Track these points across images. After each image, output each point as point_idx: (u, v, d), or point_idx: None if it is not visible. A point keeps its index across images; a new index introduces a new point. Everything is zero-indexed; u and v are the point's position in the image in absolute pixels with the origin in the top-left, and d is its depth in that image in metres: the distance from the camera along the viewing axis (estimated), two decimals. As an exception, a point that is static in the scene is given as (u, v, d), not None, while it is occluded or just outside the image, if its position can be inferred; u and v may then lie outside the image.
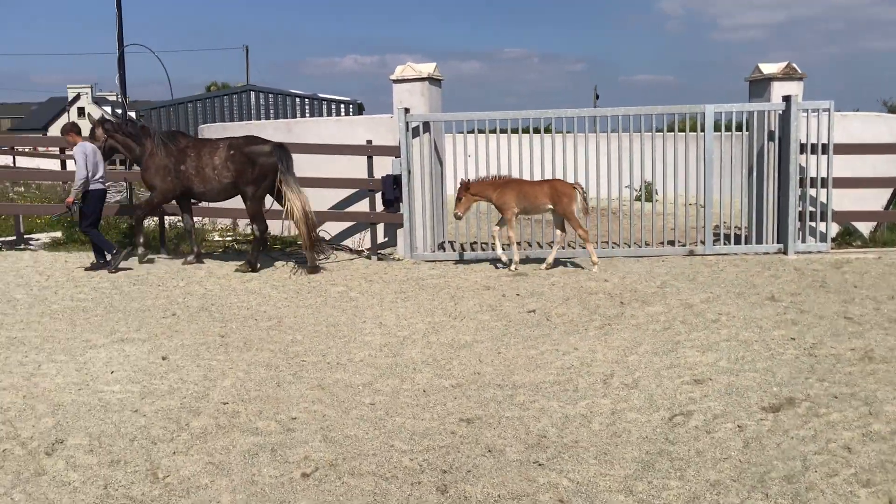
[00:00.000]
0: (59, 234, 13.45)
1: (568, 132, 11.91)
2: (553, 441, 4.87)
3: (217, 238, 13.05)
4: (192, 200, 11.40)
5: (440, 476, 4.40)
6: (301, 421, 5.24)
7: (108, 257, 10.64)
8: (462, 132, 11.92)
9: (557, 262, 10.62)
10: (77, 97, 76.07)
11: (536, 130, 11.57)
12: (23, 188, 21.13)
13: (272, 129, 13.49)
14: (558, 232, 10.54)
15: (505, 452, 4.71)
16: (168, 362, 6.55)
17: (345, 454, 4.71)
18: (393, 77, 11.59)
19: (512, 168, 11.23)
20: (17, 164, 23.95)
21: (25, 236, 13.40)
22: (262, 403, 5.58)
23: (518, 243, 10.78)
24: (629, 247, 11.58)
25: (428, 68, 11.55)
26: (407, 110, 11.31)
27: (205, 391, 5.83)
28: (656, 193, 12.40)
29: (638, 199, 16.08)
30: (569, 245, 11.32)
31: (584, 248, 10.75)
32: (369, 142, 11.67)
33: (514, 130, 11.62)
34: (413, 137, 11.39)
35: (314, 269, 10.48)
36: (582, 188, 10.44)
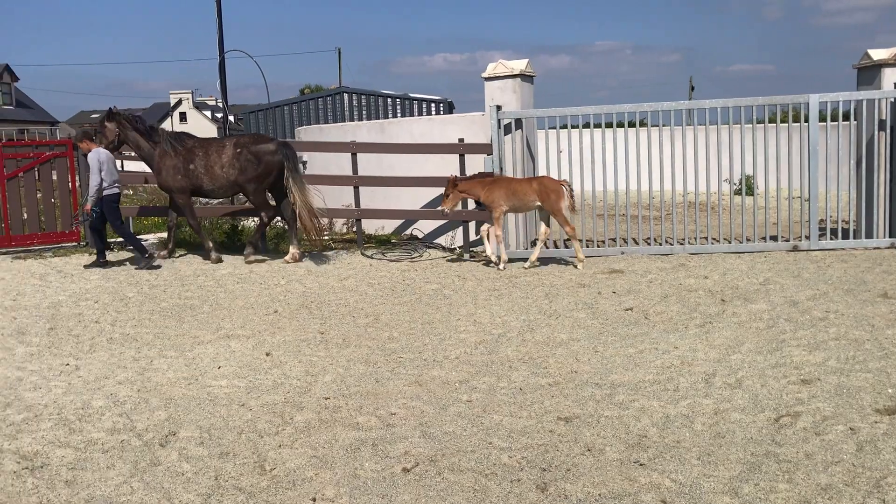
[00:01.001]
0: (165, 234, 14.03)
1: (664, 126, 11.65)
2: (654, 441, 4.79)
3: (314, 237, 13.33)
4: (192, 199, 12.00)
5: (540, 474, 4.39)
6: (400, 416, 5.32)
7: (105, 257, 11.29)
8: (555, 127, 11.81)
9: (550, 260, 10.41)
10: (179, 102, 79.23)
11: (631, 124, 11.37)
12: (131, 191, 22.12)
13: (366, 130, 13.73)
14: (542, 228, 10.56)
15: (605, 452, 4.66)
16: (271, 358, 6.76)
17: (444, 450, 4.75)
18: (484, 75, 11.61)
19: (606, 163, 11.08)
20: (125, 168, 25.09)
21: (136, 237, 14.03)
22: (362, 399, 5.69)
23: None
24: (729, 242, 11.24)
25: (520, 65, 11.51)
26: (499, 107, 11.30)
27: (307, 386, 5.99)
28: (757, 187, 11.99)
29: (738, 193, 15.60)
30: (609, 241, 11.09)
31: (567, 245, 10.92)
32: (461, 140, 11.72)
33: (608, 125, 11.45)
34: (505, 134, 11.38)
35: (297, 258, 11.28)
36: (569, 185, 10.44)
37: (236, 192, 11.80)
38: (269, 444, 4.91)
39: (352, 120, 25.85)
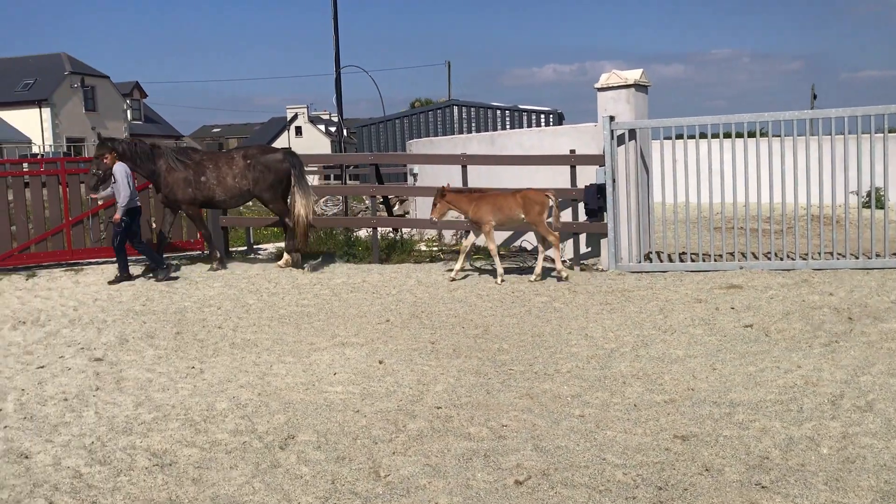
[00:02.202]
0: (284, 244, 14.55)
1: (786, 136, 11.19)
2: (776, 463, 4.59)
3: (423, 248, 13.54)
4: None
5: (656, 492, 4.29)
6: (512, 429, 5.31)
7: (128, 270, 11.41)
8: (670, 138, 11.56)
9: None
10: (295, 117, 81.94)
11: (750, 135, 10.98)
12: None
13: (476, 142, 13.82)
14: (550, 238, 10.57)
15: (724, 472, 4.51)
16: (384, 366, 6.88)
17: (556, 464, 4.71)
18: (597, 85, 11.49)
19: (725, 174, 10.74)
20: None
21: (255, 246, 14.64)
22: (474, 410, 5.71)
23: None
24: (856, 258, 10.68)
25: (634, 75, 11.33)
26: (612, 118, 11.16)
27: (419, 395, 6.07)
28: (888, 199, 11.34)
29: (865, 206, 14.81)
30: (776, 256, 10.65)
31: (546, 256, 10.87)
32: (572, 151, 11.63)
33: (726, 135, 11.10)
34: (618, 145, 11.22)
35: (292, 264, 11.87)
36: (555, 197, 10.52)
37: (245, 202, 12.51)
38: (383, 451, 5.00)
39: (461, 132, 26.09)
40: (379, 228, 13.10)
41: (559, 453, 4.88)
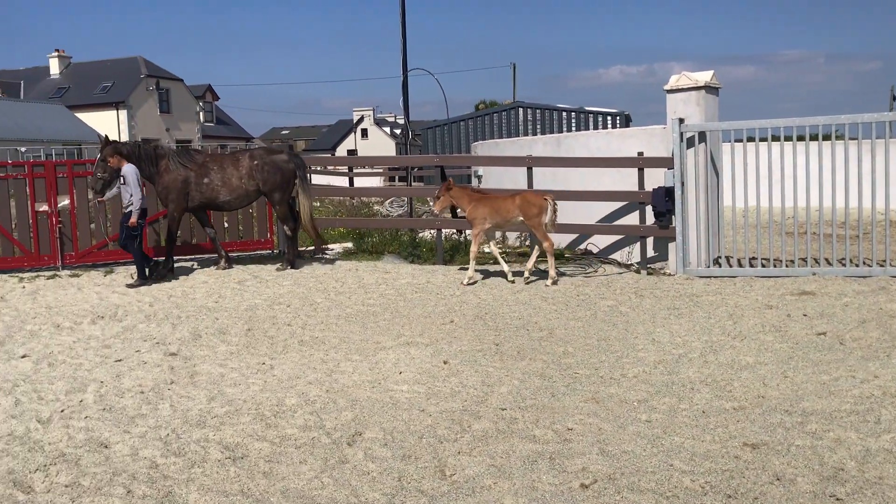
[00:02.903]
0: (350, 244, 14.77)
1: (864, 139, 10.84)
2: (852, 475, 4.47)
3: (487, 250, 13.54)
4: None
5: (725, 500, 4.23)
6: (577, 432, 5.30)
7: (146, 274, 11.31)
8: (741, 140, 11.32)
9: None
10: (361, 119, 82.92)
11: (825, 137, 10.68)
12: (318, 203, 23.38)
13: (542, 144, 13.78)
14: (545, 244, 10.69)
15: (796, 482, 4.41)
16: (449, 366, 6.93)
17: (623, 469, 4.68)
18: (667, 87, 11.34)
19: (798, 179, 10.47)
20: (313, 181, 26.58)
21: (323, 247, 14.87)
22: (538, 412, 5.71)
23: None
24: (938, 265, 10.27)
25: (704, 77, 11.14)
26: (681, 120, 11.00)
27: (484, 396, 6.09)
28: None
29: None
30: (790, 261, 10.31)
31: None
32: (640, 153, 11.50)
33: (800, 138, 10.82)
34: (688, 148, 11.05)
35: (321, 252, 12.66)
36: (553, 200, 10.58)
37: (250, 203, 12.70)
38: (448, 450, 5.04)
39: (526, 134, 26.02)
40: (443, 230, 13.17)
41: (625, 458, 4.85)
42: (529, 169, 12.25)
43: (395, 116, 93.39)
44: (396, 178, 30.77)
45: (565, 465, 4.75)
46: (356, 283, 11.11)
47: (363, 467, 4.83)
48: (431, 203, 11.48)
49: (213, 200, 12.11)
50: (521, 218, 10.64)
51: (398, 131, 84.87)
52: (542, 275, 11.20)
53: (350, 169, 24.70)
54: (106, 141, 11.43)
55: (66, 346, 7.93)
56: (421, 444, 5.16)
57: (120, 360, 7.38)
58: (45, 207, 12.42)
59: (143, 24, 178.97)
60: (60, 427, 5.64)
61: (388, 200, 22.78)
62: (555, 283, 10.63)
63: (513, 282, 10.79)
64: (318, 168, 27.80)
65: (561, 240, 12.91)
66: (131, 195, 11.00)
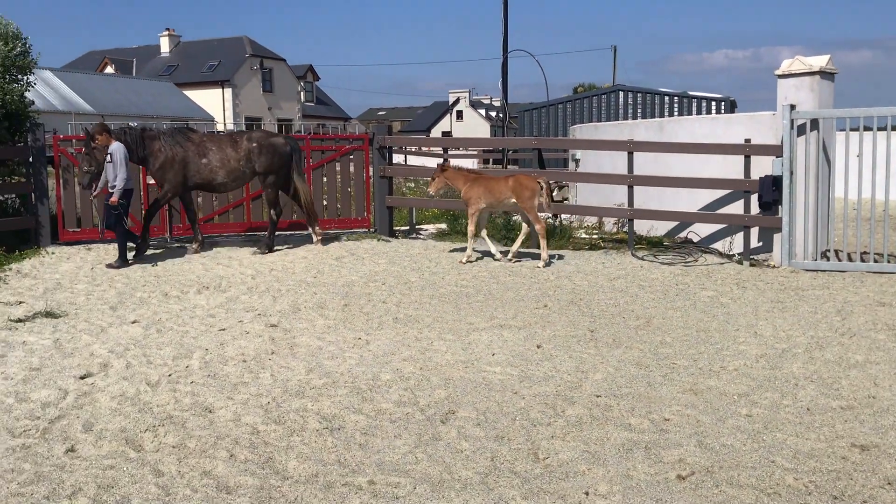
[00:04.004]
0: (444, 225, 14.85)
1: None
2: (971, 485, 4.23)
3: (584, 235, 13.39)
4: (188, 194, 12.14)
5: (830, 501, 4.07)
6: (674, 423, 5.19)
7: (126, 255, 11.05)
8: (856, 129, 10.78)
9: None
10: (457, 101, 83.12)
11: (952, 127, 10.04)
12: (413, 184, 23.61)
13: (643, 129, 13.48)
14: (524, 227, 11.09)
15: (909, 489, 4.20)
16: (542, 351, 6.90)
17: (721, 462, 4.56)
18: (778, 72, 10.88)
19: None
20: (408, 162, 26.81)
21: (417, 226, 15.02)
22: (634, 401, 5.62)
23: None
24: None
25: (819, 61, 10.64)
26: (792, 107, 10.54)
27: (578, 382, 6.04)
28: None
29: None
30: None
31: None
32: (747, 140, 11.10)
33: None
34: (798, 136, 10.59)
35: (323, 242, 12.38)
36: (547, 184, 10.81)
37: (243, 184, 12.57)
38: (541, 434, 5.02)
39: (626, 118, 25.50)
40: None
41: (724, 451, 4.72)
42: (630, 153, 11.99)
43: (491, 98, 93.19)
44: (491, 160, 30.67)
45: (661, 456, 4.67)
46: (449, 263, 11.17)
47: (456, 445, 4.87)
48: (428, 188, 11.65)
49: (211, 182, 11.91)
50: (514, 200, 10.85)
51: (493, 113, 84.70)
52: (639, 261, 10.98)
53: (445, 150, 24.74)
54: (88, 132, 11.06)
55: (173, 314, 8.28)
56: (514, 426, 5.16)
57: (223, 330, 7.65)
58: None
59: (249, 4, 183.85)
60: (168, 390, 5.90)
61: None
62: (547, 265, 10.79)
63: (499, 260, 11.21)
64: (413, 149, 28.12)
65: (660, 227, 12.64)
66: (116, 175, 10.71)
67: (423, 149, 26.50)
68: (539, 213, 10.91)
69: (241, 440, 4.99)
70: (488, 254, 11.70)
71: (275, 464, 4.65)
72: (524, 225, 11.28)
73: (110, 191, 10.82)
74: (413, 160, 28.59)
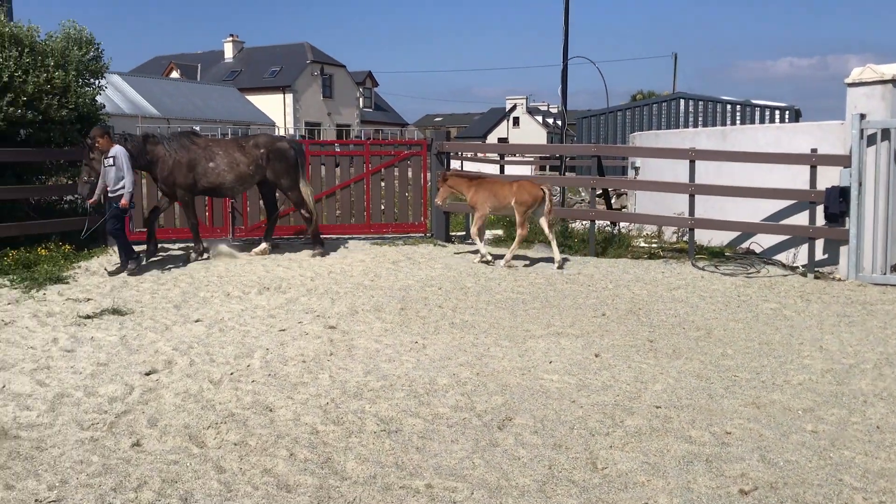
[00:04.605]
0: (500, 231, 14.83)
1: None
2: None
3: (643, 244, 13.23)
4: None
5: (901, 524, 3.94)
6: (736, 437, 5.09)
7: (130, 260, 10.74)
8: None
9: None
10: (513, 107, 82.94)
11: None
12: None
13: (706, 137, 13.26)
14: (548, 232, 11.23)
15: None
16: (600, 359, 6.83)
17: (786, 479, 4.46)
18: (848, 80, 10.60)
19: None
20: (464, 168, 26.85)
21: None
22: (695, 413, 5.53)
23: None
24: None
25: (892, 70, 10.32)
26: (862, 116, 10.26)
27: (637, 392, 5.97)
28: None
29: None
30: None
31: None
32: (814, 150, 10.83)
33: None
34: (868, 146, 10.30)
35: (322, 254, 12.07)
36: (550, 190, 11.12)
37: (249, 189, 12.43)
38: (600, 444, 4.98)
39: (687, 126, 25.13)
40: (596, 221, 12.96)
41: (789, 467, 4.61)
42: (692, 162, 11.82)
43: (548, 105, 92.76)
44: (547, 167, 30.54)
45: (723, 469, 4.58)
46: (506, 270, 11.14)
47: (514, 452, 4.86)
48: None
49: (220, 186, 11.80)
50: (514, 203, 11.08)
51: (550, 120, 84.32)
52: (699, 271, 10.81)
53: (502, 156, 24.70)
54: (88, 141, 10.85)
55: (234, 314, 8.44)
56: (572, 435, 5.12)
57: (283, 330, 7.77)
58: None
59: (311, 11, 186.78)
60: (230, 388, 6.01)
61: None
62: (509, 266, 11.17)
63: (490, 262, 11.43)
64: (469, 155, 28.09)
65: (722, 237, 12.41)
66: (122, 178, 10.43)
67: (479, 154, 26.51)
68: (548, 219, 11.23)
69: (300, 439, 5.05)
70: (544, 260, 11.64)
71: (333, 464, 4.70)
72: (547, 232, 11.32)
73: (111, 195, 10.51)
74: (469, 166, 28.56)
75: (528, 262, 11.66)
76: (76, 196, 11.03)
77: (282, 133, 44.27)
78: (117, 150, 10.56)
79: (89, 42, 13.17)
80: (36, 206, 11.47)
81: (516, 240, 11.35)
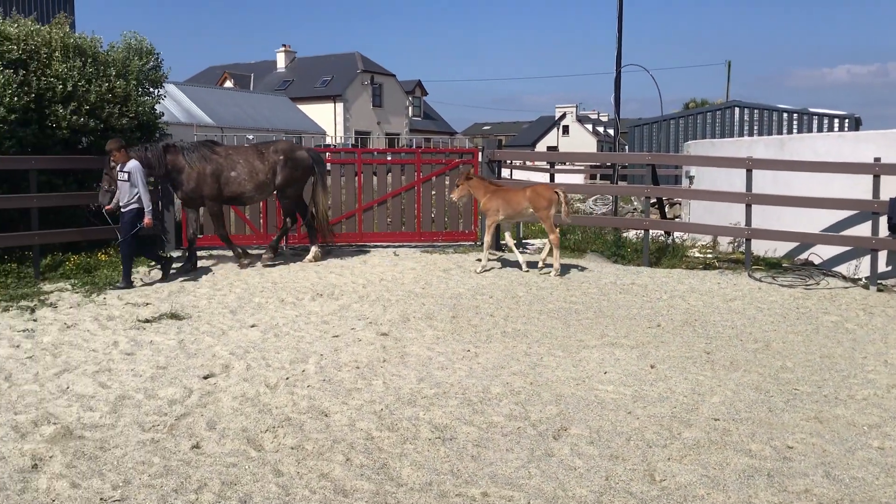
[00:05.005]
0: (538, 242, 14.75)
1: None
2: None
3: (697, 255, 13.03)
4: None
5: (976, 546, 3.80)
6: (798, 451, 4.97)
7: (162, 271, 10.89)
8: None
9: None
10: (563, 116, 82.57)
11: None
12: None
13: (763, 146, 13.03)
14: (551, 236, 11.16)
15: None
16: (656, 371, 6.74)
17: (851, 496, 4.34)
18: (913, 87, 10.32)
19: None
20: (514, 176, 26.78)
21: (523, 241, 14.97)
22: (754, 426, 5.42)
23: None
24: None
25: (959, 76, 10.03)
26: (928, 124, 9.97)
27: (694, 404, 5.87)
28: None
29: None
30: None
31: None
32: (877, 159, 10.56)
33: None
34: (934, 155, 10.00)
35: (317, 258, 12.27)
36: (565, 193, 11.08)
37: (267, 196, 12.40)
38: (657, 455, 4.90)
39: (741, 135, 24.71)
40: (650, 230, 12.81)
41: (855, 484, 4.48)
42: (749, 171, 11.61)
43: (598, 113, 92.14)
44: (598, 175, 30.32)
45: (785, 485, 4.48)
46: (558, 279, 11.07)
47: (569, 462, 4.81)
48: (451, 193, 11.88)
49: (241, 195, 11.80)
50: (532, 210, 11.09)
51: (601, 129, 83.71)
52: (756, 281, 10.60)
53: (552, 165, 24.60)
54: (109, 150, 10.57)
55: (289, 319, 8.54)
56: (628, 446, 5.06)
57: (337, 336, 7.84)
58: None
59: (361, 21, 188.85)
60: (286, 393, 6.08)
61: (592, 198, 22.51)
62: (558, 274, 11.10)
63: (527, 271, 11.43)
64: (518, 163, 28.06)
65: (780, 248, 12.16)
66: (137, 193, 10.36)
67: (528, 163, 26.45)
68: (562, 222, 11.29)
69: (356, 445, 5.08)
70: (597, 270, 11.54)
71: (389, 470, 4.72)
72: (551, 236, 11.34)
73: (122, 209, 10.42)
74: (518, 174, 28.48)
75: (580, 269, 11.58)
76: (96, 204, 11.01)
77: (331, 142, 44.74)
78: (132, 165, 10.43)
79: (149, 52, 13.51)
80: (96, 212, 11.75)
81: (553, 247, 11.27)
